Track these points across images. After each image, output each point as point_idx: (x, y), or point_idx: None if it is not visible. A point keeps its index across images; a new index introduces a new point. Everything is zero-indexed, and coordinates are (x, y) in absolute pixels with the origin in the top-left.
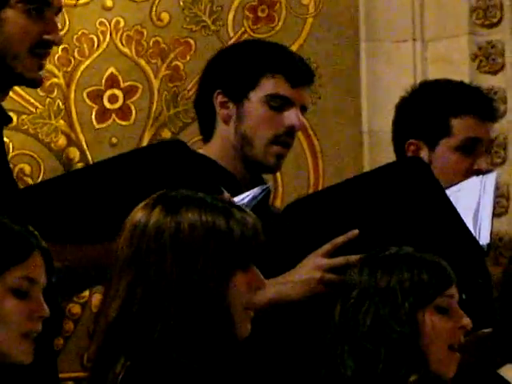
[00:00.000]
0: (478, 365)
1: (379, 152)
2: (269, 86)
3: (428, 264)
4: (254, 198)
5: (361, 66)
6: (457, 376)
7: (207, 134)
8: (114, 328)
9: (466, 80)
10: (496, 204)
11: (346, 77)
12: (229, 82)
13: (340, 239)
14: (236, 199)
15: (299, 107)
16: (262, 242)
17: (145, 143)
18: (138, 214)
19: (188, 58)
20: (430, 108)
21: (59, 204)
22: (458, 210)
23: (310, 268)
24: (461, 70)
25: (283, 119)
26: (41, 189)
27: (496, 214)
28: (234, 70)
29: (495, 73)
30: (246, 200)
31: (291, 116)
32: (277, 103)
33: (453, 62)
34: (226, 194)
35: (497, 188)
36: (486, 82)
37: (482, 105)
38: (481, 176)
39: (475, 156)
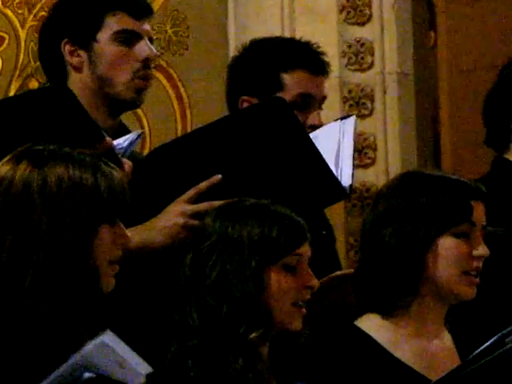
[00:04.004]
0: (335, 314)
1: None
2: (113, 23)
3: (281, 221)
4: (131, 142)
5: (229, 17)
6: (314, 329)
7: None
8: None
9: (334, 31)
10: (364, 155)
11: (214, 28)
12: (74, 30)
13: (203, 184)
14: (115, 142)
15: (148, 39)
16: (128, 197)
17: (11, 94)
18: (3, 169)
19: None
20: (261, 65)
21: None
22: None
23: (174, 214)
24: (328, 22)
25: (136, 53)
26: None
27: (363, 165)
28: (76, 16)
29: (363, 24)
30: (125, 144)
31: (143, 48)
32: (125, 38)
33: (320, 14)
34: (108, 138)
35: (356, 131)
36: (354, 33)
37: (311, 59)
38: (339, 120)
39: (308, 112)
